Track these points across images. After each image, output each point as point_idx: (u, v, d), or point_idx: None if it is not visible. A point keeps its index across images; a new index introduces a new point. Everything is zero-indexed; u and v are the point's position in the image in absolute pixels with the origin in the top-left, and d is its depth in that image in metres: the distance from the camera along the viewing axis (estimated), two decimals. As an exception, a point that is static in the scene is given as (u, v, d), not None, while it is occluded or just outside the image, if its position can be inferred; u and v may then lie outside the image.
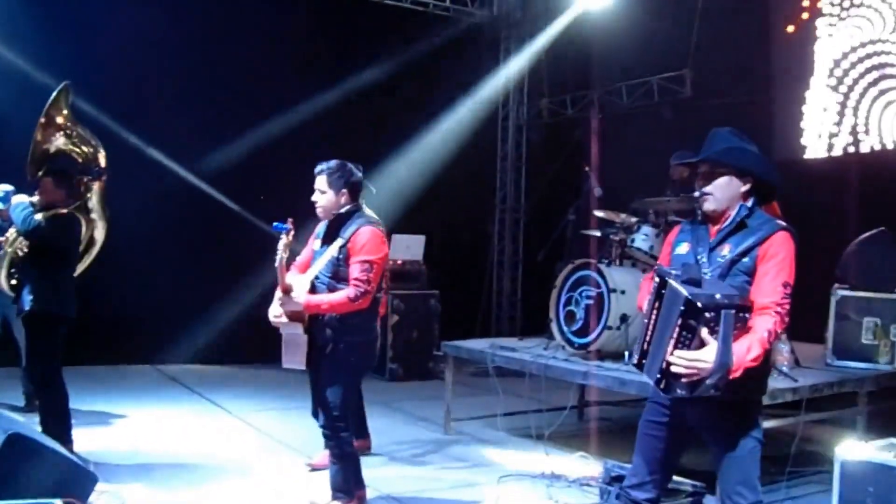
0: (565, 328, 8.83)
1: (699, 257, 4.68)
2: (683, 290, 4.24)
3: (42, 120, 7.88)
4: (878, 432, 7.16)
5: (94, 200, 8.04)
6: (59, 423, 7.27)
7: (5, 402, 9.45)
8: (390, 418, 10.30)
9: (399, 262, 13.20)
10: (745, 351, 4.27)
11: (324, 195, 6.28)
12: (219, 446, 8.57)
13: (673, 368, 4.27)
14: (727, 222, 4.69)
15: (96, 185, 8.05)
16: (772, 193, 4.90)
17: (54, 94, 7.92)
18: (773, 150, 11.45)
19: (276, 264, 6.04)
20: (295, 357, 6.19)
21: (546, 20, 14.69)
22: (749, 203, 4.70)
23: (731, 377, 4.24)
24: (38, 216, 7.22)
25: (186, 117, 12.62)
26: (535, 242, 15.23)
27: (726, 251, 4.61)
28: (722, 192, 4.68)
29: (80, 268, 8.03)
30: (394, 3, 14.11)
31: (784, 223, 4.63)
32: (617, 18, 13.37)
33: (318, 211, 6.36)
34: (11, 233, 7.72)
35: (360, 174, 6.44)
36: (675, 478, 5.98)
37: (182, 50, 12.62)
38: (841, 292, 8.66)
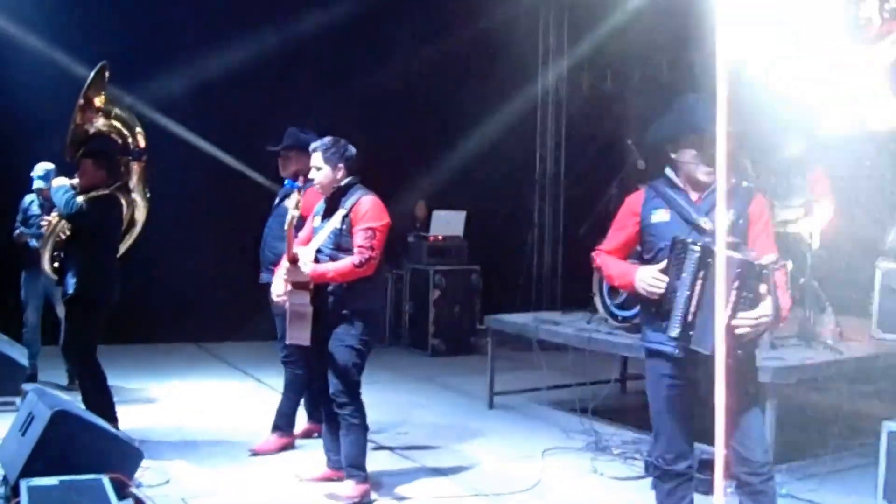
0: (609, 301, 8.74)
1: (702, 223, 4.66)
2: (738, 255, 4.37)
3: (80, 101, 7.82)
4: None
5: (134, 181, 7.99)
6: (101, 400, 7.26)
7: (49, 381, 9.48)
8: (433, 393, 10.27)
9: (440, 237, 13.14)
10: (786, 303, 4.54)
11: (320, 171, 6.29)
12: (263, 423, 8.52)
13: (738, 331, 4.33)
14: (713, 186, 4.58)
15: (136, 166, 8.01)
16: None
17: (92, 74, 7.87)
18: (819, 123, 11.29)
19: (286, 225, 6.08)
20: (300, 332, 6.15)
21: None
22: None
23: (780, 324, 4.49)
24: (80, 199, 7.18)
25: (227, 97, 12.60)
26: (576, 217, 15.16)
27: (733, 216, 4.62)
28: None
29: (122, 248, 7.99)
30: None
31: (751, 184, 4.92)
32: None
33: (316, 187, 6.37)
34: (54, 216, 7.69)
35: (353, 150, 6.44)
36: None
37: (227, 33, 12.59)
38: (886, 265, 8.52)
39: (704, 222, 4.65)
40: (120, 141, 7.98)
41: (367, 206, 6.18)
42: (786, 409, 6.96)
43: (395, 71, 13.76)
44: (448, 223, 13.24)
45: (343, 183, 6.31)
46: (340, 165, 6.30)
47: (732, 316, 4.31)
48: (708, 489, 6.42)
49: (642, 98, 13.75)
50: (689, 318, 4.51)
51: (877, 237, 8.85)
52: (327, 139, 6.37)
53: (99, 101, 7.90)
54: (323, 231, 6.24)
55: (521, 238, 15.83)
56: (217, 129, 12.75)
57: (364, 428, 6.39)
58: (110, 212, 7.40)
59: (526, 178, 15.76)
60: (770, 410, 6.59)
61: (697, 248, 4.47)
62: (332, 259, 6.13)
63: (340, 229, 6.15)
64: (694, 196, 4.77)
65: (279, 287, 6.23)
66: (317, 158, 6.30)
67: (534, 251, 15.83)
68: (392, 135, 13.31)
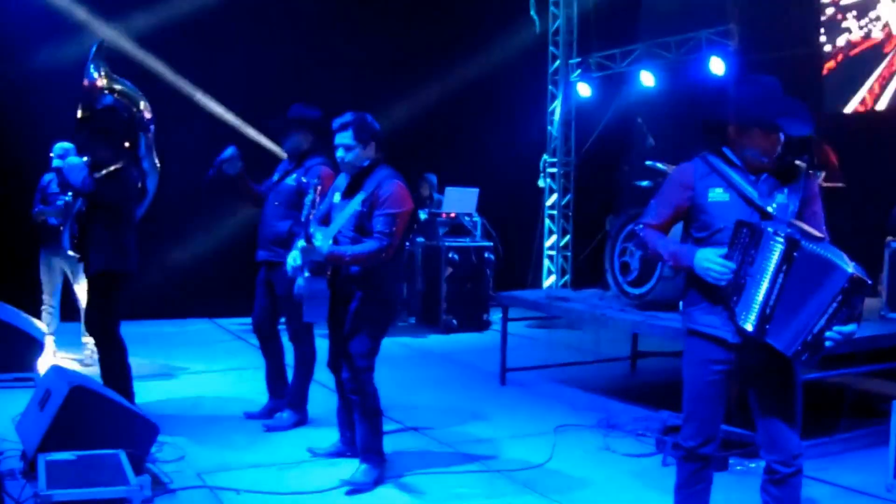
0: (621, 278, 8.68)
1: (768, 208, 4.43)
2: (848, 266, 4.11)
3: (85, 82, 7.81)
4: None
5: (143, 151, 7.97)
6: (119, 376, 7.22)
7: (67, 356, 9.43)
8: (446, 370, 10.23)
9: (452, 214, 13.09)
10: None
11: (351, 150, 6.05)
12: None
13: (827, 343, 4.18)
14: (774, 169, 4.51)
15: (144, 137, 7.98)
16: None
17: (91, 54, 7.86)
18: (823, 104, 11.25)
19: (303, 219, 5.96)
20: (317, 310, 6.05)
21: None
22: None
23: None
24: (94, 175, 7.13)
25: (241, 71, 12.60)
26: (586, 195, 15.14)
27: (782, 199, 4.45)
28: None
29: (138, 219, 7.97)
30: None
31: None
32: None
33: (345, 166, 6.14)
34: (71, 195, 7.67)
35: (378, 126, 6.23)
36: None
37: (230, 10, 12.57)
38: (895, 244, 8.44)
39: (770, 208, 4.43)
40: (126, 115, 7.94)
41: (389, 191, 5.95)
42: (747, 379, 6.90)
43: (403, 44, 13.77)
44: (461, 200, 13.17)
45: (367, 163, 6.10)
46: (372, 143, 6.11)
47: (826, 327, 4.14)
48: (720, 466, 6.38)
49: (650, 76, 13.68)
50: (768, 311, 4.31)
51: (884, 215, 8.76)
52: (354, 115, 6.12)
53: (101, 81, 7.88)
54: (343, 213, 6.03)
55: (532, 215, 15.80)
56: (231, 98, 12.72)
57: (377, 413, 6.23)
58: (125, 185, 7.32)
59: (536, 155, 15.68)
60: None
61: (781, 239, 4.25)
62: (353, 242, 5.97)
63: (361, 212, 5.95)
64: (755, 177, 4.54)
65: (295, 259, 5.99)
66: (346, 137, 6.06)
67: (544, 228, 15.79)
68: (403, 111, 13.27)
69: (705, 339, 4.61)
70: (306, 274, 5.97)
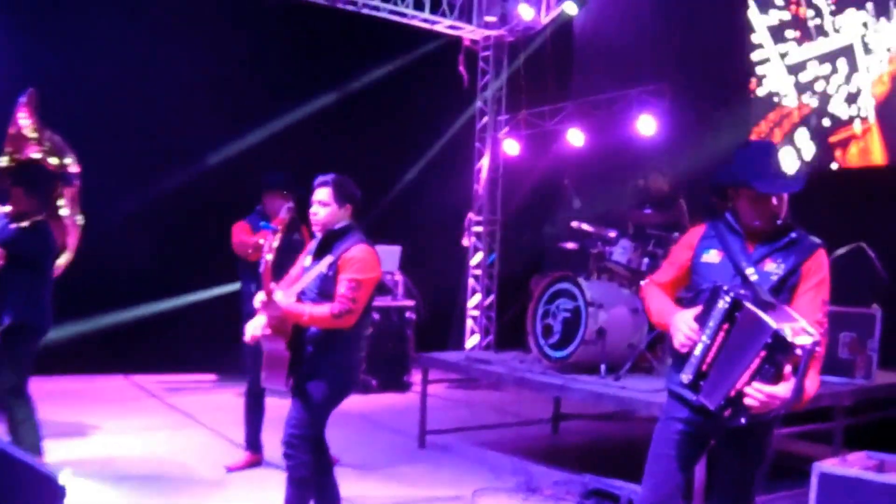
0: (542, 341, 8.83)
1: (747, 272, 4.56)
2: (773, 323, 4.14)
3: (11, 130, 7.84)
4: (855, 447, 7.19)
5: (66, 206, 8.00)
6: (29, 433, 7.22)
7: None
8: (364, 431, 10.30)
9: (374, 272, 13.17)
10: (813, 386, 4.28)
11: (326, 208, 6.03)
12: (193, 460, 8.54)
13: (747, 400, 4.18)
14: (773, 236, 4.63)
15: (67, 191, 8.02)
16: None
17: (20, 101, 7.89)
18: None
19: (261, 269, 5.77)
20: (276, 376, 6.00)
21: (525, 31, 14.81)
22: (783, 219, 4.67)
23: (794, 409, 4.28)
24: (13, 226, 7.17)
25: (163, 124, 12.67)
26: (512, 254, 15.29)
27: (772, 267, 4.56)
28: (783, 206, 4.64)
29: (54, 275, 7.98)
30: (370, 14, 14.05)
31: (819, 240, 4.64)
32: (597, 30, 13.44)
33: (316, 226, 6.10)
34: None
35: (359, 191, 6.27)
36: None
37: (155, 58, 12.65)
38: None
39: (751, 273, 4.56)
40: (51, 167, 7.99)
41: (357, 256, 5.92)
42: (712, 451, 7.06)
43: (328, 104, 13.91)
44: (382, 258, 13.22)
45: (340, 226, 6.08)
46: (348, 205, 6.11)
47: (748, 382, 4.18)
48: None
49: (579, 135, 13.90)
50: (704, 367, 4.41)
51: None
52: (336, 175, 6.14)
53: (28, 130, 7.93)
54: (309, 274, 6.00)
55: (456, 275, 15.92)
56: (155, 153, 12.80)
57: (307, 483, 6.06)
58: (45, 238, 7.37)
59: (461, 214, 15.81)
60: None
61: (728, 299, 4.35)
62: (315, 304, 5.91)
63: (326, 275, 5.90)
64: (750, 244, 4.66)
65: (255, 327, 5.92)
66: (324, 194, 6.04)
67: (468, 288, 15.91)
68: (323, 166, 13.37)
69: (671, 397, 4.78)
70: (266, 332, 5.90)
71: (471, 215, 15.77)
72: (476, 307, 15.82)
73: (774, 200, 4.57)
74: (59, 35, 12.01)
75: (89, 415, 10.28)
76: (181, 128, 12.84)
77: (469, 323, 15.88)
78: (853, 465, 6.22)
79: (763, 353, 4.14)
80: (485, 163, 15.80)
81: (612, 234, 9.20)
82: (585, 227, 9.36)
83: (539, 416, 10.49)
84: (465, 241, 15.78)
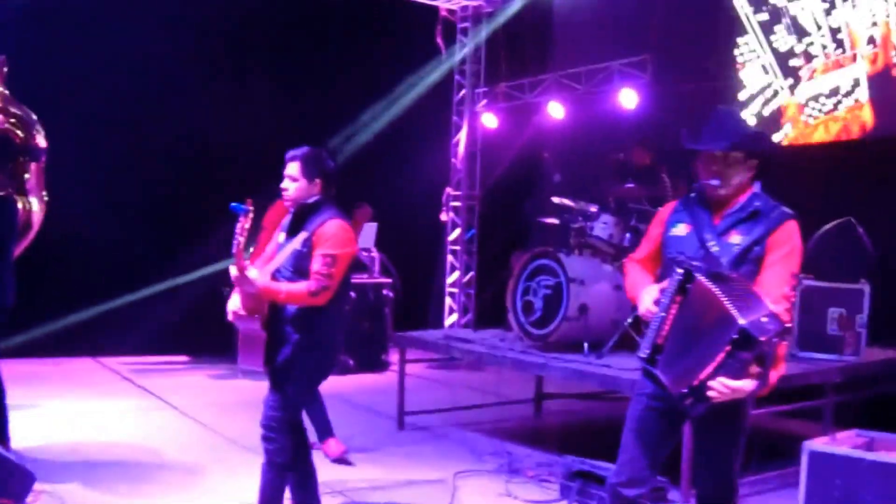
0: (523, 319, 8.77)
1: (709, 244, 4.57)
2: (741, 319, 4.04)
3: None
4: (844, 424, 7.18)
5: (31, 182, 7.88)
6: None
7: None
8: (341, 413, 10.20)
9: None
10: (777, 372, 4.25)
11: (295, 183, 5.94)
12: (164, 444, 8.46)
13: (710, 392, 4.14)
14: (737, 207, 4.60)
15: (34, 167, 7.90)
16: (766, 172, 4.77)
17: None
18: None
19: (234, 250, 5.64)
20: (252, 356, 5.93)
21: (504, 2, 14.70)
22: (757, 187, 4.65)
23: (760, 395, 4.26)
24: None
25: (132, 96, 12.58)
26: (491, 230, 15.23)
27: (738, 239, 4.53)
28: (737, 177, 4.60)
29: (17, 253, 7.87)
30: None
31: (791, 211, 4.57)
32: (578, 1, 13.37)
33: (287, 201, 6.02)
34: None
35: (332, 164, 6.16)
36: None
37: (121, 27, 12.50)
38: (806, 282, 8.68)
39: (712, 244, 4.57)
40: (17, 140, 7.87)
41: (331, 231, 5.82)
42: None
43: (304, 76, 13.80)
44: (359, 235, 13.21)
45: (312, 200, 5.98)
46: (317, 180, 5.98)
47: (712, 375, 4.12)
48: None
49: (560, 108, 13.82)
50: (659, 340, 4.43)
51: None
52: (307, 148, 6.03)
53: (-5, 100, 7.81)
54: (284, 251, 5.93)
55: (434, 251, 15.86)
56: (124, 127, 12.74)
57: (287, 467, 6.00)
58: (9, 215, 7.25)
59: (439, 189, 15.73)
60: (688, 431, 6.67)
61: (681, 271, 4.37)
62: (291, 282, 5.82)
63: (301, 252, 5.82)
64: (717, 214, 4.66)
65: (235, 302, 5.88)
66: (293, 168, 5.94)
67: (446, 265, 15.85)
68: (298, 140, 13.26)
69: (643, 374, 4.75)
70: (242, 313, 5.84)
71: (448, 190, 15.69)
72: (454, 284, 15.76)
73: (715, 161, 4.59)
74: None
75: (57, 399, 10.21)
76: (153, 109, 12.78)
77: (448, 301, 15.82)
78: (843, 444, 6.23)
79: (728, 349, 4.08)
80: (462, 136, 15.72)
81: (594, 208, 9.14)
82: (566, 201, 9.29)
83: (521, 395, 10.44)
84: (443, 217, 15.71)
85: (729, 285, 4.24)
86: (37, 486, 6.24)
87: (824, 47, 10.92)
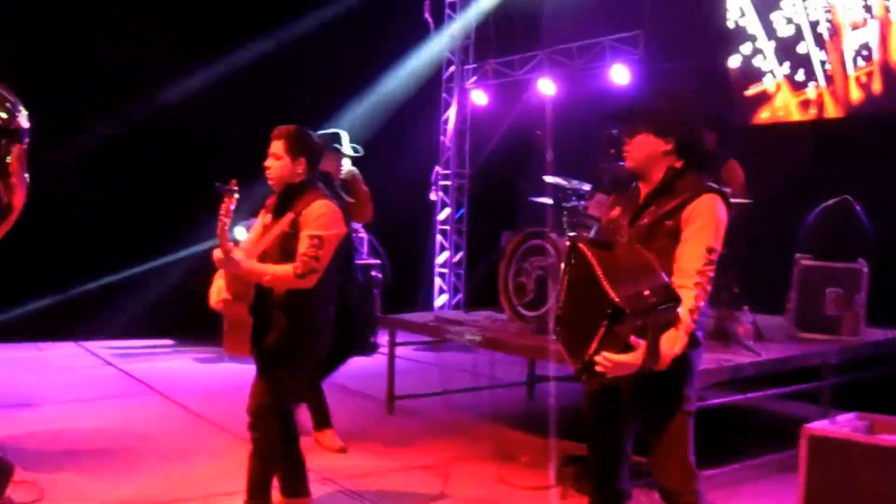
0: (515, 300, 8.68)
1: (622, 219, 4.64)
2: (610, 291, 3.99)
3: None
4: (843, 405, 7.13)
5: (13, 164, 7.76)
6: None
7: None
8: (330, 397, 10.08)
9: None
10: (671, 345, 4.11)
11: (278, 162, 5.87)
12: (149, 430, 8.39)
13: (597, 367, 4.07)
14: (657, 185, 4.58)
15: (16, 148, 7.78)
16: (704, 159, 4.77)
17: None
18: (733, 115, 11.40)
19: (217, 231, 5.51)
20: (239, 343, 5.85)
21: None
22: (680, 165, 4.58)
23: (658, 369, 4.11)
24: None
25: (117, 75, 12.47)
26: (481, 210, 15.15)
27: (649, 214, 4.52)
28: (639, 150, 4.60)
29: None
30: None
31: (714, 186, 4.53)
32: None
33: (270, 180, 5.95)
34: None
35: (319, 143, 6.11)
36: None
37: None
38: (803, 262, 8.63)
39: (625, 218, 4.64)
40: (-1, 121, 7.75)
41: (318, 212, 5.75)
42: (700, 413, 6.95)
43: (286, 52, 13.71)
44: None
45: (297, 181, 5.91)
46: (302, 159, 5.89)
47: (597, 350, 4.06)
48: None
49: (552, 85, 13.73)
50: (560, 312, 4.48)
51: (794, 232, 8.93)
52: (292, 127, 5.96)
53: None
54: (270, 234, 5.84)
55: (423, 232, 15.78)
56: (104, 105, 12.57)
57: (274, 455, 5.96)
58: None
59: (428, 168, 15.63)
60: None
61: (568, 243, 4.42)
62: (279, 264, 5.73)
63: (288, 234, 5.74)
64: (643, 193, 4.67)
65: (217, 291, 5.80)
66: (277, 146, 5.87)
67: (436, 245, 15.78)
68: (282, 118, 13.19)
69: None
70: (227, 297, 5.74)
71: (438, 169, 15.61)
72: (444, 265, 15.71)
73: (625, 142, 4.67)
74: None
75: (38, 384, 10.13)
76: (137, 88, 12.67)
77: (437, 281, 15.76)
78: (843, 427, 6.15)
79: (605, 323, 4.03)
80: (451, 114, 15.63)
81: (587, 187, 9.04)
82: (559, 180, 9.20)
83: (514, 378, 10.38)
84: (432, 196, 15.62)
85: (614, 254, 4.25)
86: (17, 476, 6.17)
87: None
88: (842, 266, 8.57)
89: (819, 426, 6.06)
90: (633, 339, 4.01)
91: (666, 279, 4.11)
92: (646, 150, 4.58)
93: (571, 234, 4.32)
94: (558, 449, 7.35)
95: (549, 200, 9.40)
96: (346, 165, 8.57)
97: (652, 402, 4.52)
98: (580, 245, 4.28)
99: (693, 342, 4.34)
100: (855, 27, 10.44)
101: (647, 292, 4.01)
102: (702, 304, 4.23)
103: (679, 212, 4.42)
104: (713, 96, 11.55)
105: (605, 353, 4.02)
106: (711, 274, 4.26)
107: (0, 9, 11.19)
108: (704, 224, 4.37)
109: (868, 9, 10.29)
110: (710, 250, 4.31)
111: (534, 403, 10.23)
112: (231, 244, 5.56)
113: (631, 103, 4.74)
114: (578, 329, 4.25)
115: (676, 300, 4.07)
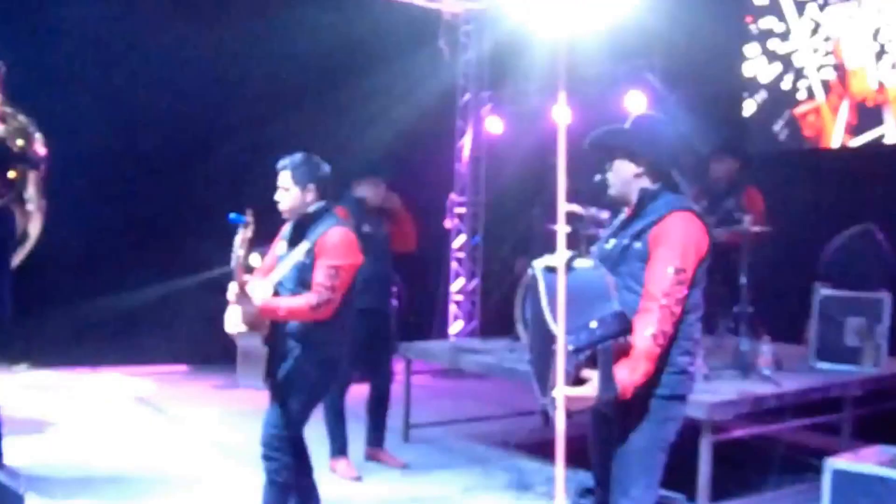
0: (532, 329, 8.65)
1: (605, 245, 4.62)
2: (551, 325, 3.95)
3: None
4: (865, 438, 7.09)
5: (30, 191, 7.78)
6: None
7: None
8: (345, 425, 10.15)
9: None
10: (630, 372, 4.06)
11: (287, 192, 5.86)
12: (164, 457, 8.38)
13: (557, 403, 3.98)
14: (633, 207, 4.58)
15: (32, 175, 7.79)
16: (677, 182, 4.67)
17: None
18: (750, 142, 11.40)
19: (233, 264, 5.52)
20: (253, 373, 5.81)
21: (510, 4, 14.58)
22: (654, 187, 4.54)
23: (622, 399, 4.08)
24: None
25: (130, 103, 12.47)
26: (497, 236, 15.12)
27: (624, 238, 4.49)
28: (616, 176, 4.65)
29: (14, 263, 7.79)
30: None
31: (685, 203, 4.49)
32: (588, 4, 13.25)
33: (283, 212, 5.95)
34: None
35: (328, 168, 6.05)
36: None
37: (121, 37, 12.45)
38: (824, 291, 8.58)
39: (607, 245, 4.59)
40: (16, 148, 7.76)
41: (334, 240, 5.73)
42: (720, 445, 6.92)
43: (306, 79, 13.73)
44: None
45: (311, 209, 5.89)
46: (311, 186, 5.86)
47: (552, 385, 3.99)
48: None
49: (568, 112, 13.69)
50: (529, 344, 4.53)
51: (814, 260, 8.89)
52: (298, 155, 5.93)
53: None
54: (285, 263, 5.82)
55: (438, 259, 15.75)
56: (120, 135, 12.59)
57: (289, 486, 5.89)
58: (6, 225, 7.17)
59: (443, 195, 15.61)
60: (705, 445, 6.58)
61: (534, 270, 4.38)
62: (294, 296, 5.72)
63: (304, 263, 5.72)
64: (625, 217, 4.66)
65: (234, 321, 5.76)
66: (285, 178, 5.85)
67: (450, 273, 15.75)
68: (298, 145, 13.21)
69: None
70: (243, 329, 5.72)
71: (452, 196, 15.58)
72: (460, 292, 15.65)
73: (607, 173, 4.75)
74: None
75: (52, 411, 10.11)
76: (150, 114, 12.70)
77: (452, 308, 15.71)
78: (867, 461, 6.12)
79: (553, 357, 3.95)
80: (467, 141, 15.61)
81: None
82: (576, 208, 9.18)
83: (529, 407, 10.32)
84: (448, 223, 15.60)
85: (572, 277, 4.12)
86: (31, 502, 6.15)
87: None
88: (863, 296, 8.49)
89: (843, 460, 6.04)
90: (583, 372, 3.98)
91: (617, 308, 4.03)
92: (621, 175, 4.62)
93: (534, 261, 4.25)
94: (575, 479, 7.30)
95: (566, 228, 9.37)
96: (382, 192, 8.54)
97: (624, 433, 4.50)
98: (534, 274, 4.29)
99: (673, 369, 4.33)
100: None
101: (593, 324, 3.96)
102: (667, 327, 4.16)
103: (646, 233, 4.39)
104: (732, 125, 11.55)
105: (559, 388, 3.93)
106: (680, 295, 4.20)
107: (21, 42, 11.23)
108: (670, 244, 4.31)
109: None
110: (677, 271, 4.23)
111: (550, 432, 10.14)
112: (245, 278, 5.56)
113: (605, 130, 4.81)
114: (540, 363, 4.25)
115: (627, 329, 4.02)
